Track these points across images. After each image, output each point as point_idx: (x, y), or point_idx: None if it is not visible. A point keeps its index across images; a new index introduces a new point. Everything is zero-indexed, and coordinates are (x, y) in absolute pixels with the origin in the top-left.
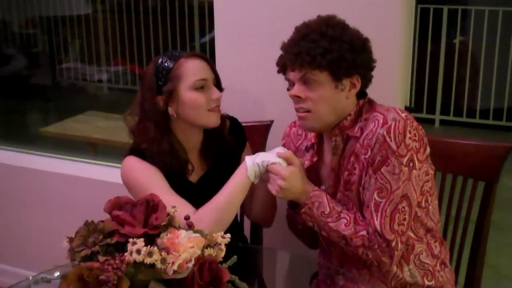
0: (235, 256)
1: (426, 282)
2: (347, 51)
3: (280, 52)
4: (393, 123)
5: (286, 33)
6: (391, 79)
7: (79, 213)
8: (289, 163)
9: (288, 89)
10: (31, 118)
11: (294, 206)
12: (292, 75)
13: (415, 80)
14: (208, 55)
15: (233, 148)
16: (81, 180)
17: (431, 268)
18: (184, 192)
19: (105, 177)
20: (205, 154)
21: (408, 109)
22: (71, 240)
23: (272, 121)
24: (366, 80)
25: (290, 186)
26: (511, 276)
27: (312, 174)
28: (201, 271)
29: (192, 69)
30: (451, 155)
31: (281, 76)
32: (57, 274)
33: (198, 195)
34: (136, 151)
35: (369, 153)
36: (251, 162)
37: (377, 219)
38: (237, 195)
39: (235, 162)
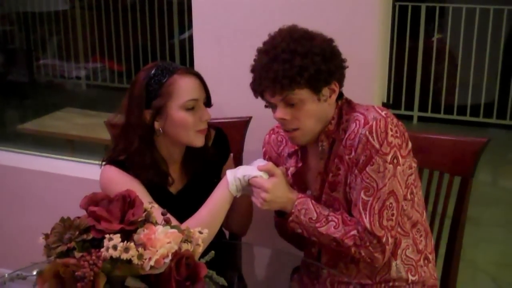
0: (213, 251)
1: (410, 277)
2: (321, 62)
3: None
4: (374, 122)
5: (264, 30)
6: (368, 76)
7: (57, 210)
8: (270, 174)
9: (266, 106)
10: (8, 115)
11: (281, 213)
12: (273, 99)
13: (393, 77)
14: (187, 52)
15: (215, 161)
16: (59, 177)
17: (414, 263)
18: (164, 203)
19: (83, 174)
20: (186, 167)
21: (386, 105)
22: (47, 236)
23: (250, 117)
24: (342, 80)
25: (274, 197)
26: (487, 270)
27: (298, 179)
28: (178, 266)
29: (184, 87)
30: (427, 150)
31: None
32: (34, 272)
33: (177, 206)
34: (116, 160)
35: (352, 153)
36: (232, 177)
37: (366, 217)
38: (219, 209)
39: (215, 174)
